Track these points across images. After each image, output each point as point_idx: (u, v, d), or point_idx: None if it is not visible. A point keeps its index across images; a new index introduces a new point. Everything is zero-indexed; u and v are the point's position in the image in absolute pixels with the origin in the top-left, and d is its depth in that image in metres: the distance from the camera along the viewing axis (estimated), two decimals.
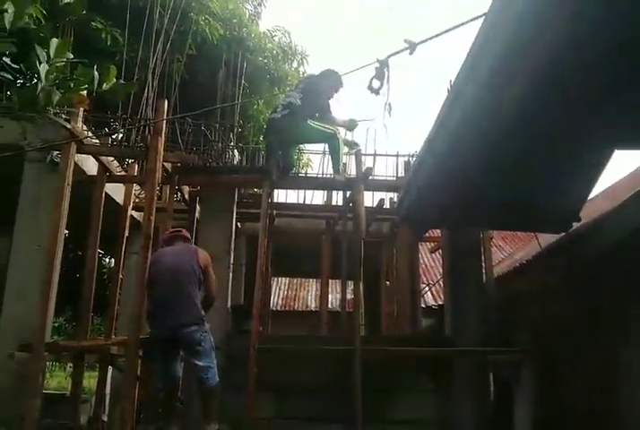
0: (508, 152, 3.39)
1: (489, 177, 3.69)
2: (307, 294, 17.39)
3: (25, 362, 4.77)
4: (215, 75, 8.43)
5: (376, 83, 2.62)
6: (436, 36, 2.43)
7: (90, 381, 9.33)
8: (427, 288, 9.74)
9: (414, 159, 6.38)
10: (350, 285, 6.71)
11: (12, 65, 2.61)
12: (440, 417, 5.28)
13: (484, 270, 6.03)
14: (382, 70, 2.58)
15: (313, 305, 15.96)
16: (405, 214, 4.78)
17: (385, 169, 7.30)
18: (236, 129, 7.77)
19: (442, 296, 8.29)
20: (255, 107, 9.80)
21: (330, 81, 6.10)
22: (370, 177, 6.10)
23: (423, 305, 8.72)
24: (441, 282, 7.84)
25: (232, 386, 4.83)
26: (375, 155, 7.30)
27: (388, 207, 7.33)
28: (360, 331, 5.74)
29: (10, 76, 2.64)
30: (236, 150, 7.60)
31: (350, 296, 7.53)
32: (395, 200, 6.95)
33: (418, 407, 5.32)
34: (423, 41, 2.46)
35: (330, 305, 9.11)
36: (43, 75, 2.41)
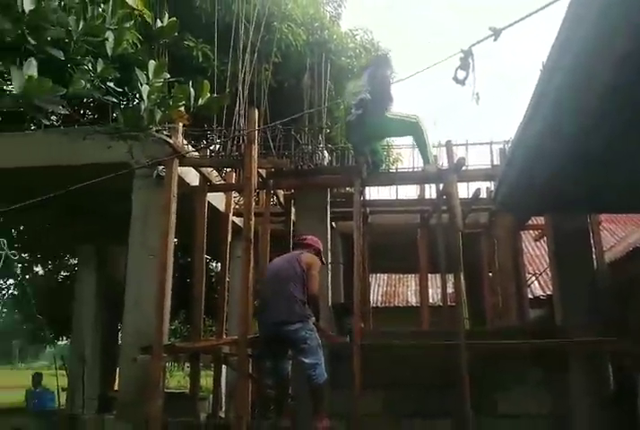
0: (612, 131, 3.20)
1: (592, 158, 3.49)
2: (407, 289, 17.23)
3: (147, 364, 5.12)
4: (300, 80, 8.60)
5: (461, 74, 2.59)
6: (521, 20, 2.36)
7: (207, 379, 9.82)
8: (533, 278, 9.38)
9: (509, 145, 6.17)
10: (451, 278, 6.60)
11: (116, 89, 2.83)
12: (554, 412, 5.07)
13: (594, 256, 5.72)
14: (466, 60, 2.54)
15: (413, 300, 15.80)
16: (502, 204, 4.64)
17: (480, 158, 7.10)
18: (324, 131, 7.88)
19: (550, 286, 7.96)
20: (342, 107, 9.88)
21: (384, 66, 6.06)
22: (463, 168, 5.97)
23: (530, 296, 8.41)
24: (548, 271, 7.52)
25: (339, 383, 4.93)
26: (467, 145, 7.14)
27: (485, 196, 7.13)
28: (465, 325, 5.64)
29: (114, 99, 2.87)
30: (325, 152, 7.72)
31: (450, 289, 7.40)
32: (492, 189, 6.75)
33: (530, 401, 5.14)
34: (507, 26, 2.40)
35: (430, 300, 9.02)
36: (145, 96, 2.60)
